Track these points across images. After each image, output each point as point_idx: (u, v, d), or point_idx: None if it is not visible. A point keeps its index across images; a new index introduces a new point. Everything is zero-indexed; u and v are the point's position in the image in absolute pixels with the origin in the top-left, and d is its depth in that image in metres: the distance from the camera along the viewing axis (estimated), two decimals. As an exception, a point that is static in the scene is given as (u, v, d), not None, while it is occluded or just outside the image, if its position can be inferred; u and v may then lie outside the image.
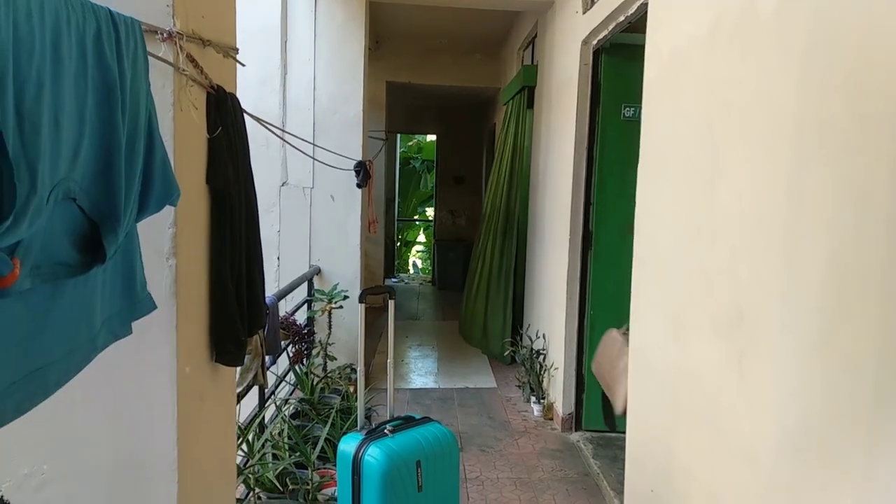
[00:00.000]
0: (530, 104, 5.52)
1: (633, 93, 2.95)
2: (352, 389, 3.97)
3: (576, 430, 4.17)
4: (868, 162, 1.33)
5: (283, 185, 4.80)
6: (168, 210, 1.10)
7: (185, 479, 1.20)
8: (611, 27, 3.51)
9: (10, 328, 0.69)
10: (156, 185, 0.94)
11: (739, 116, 1.86)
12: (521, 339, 5.36)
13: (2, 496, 1.17)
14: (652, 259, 2.55)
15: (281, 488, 2.72)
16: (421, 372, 5.82)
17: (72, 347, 0.81)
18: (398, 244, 12.45)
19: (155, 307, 1.00)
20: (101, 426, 1.15)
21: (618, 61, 3.76)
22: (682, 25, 2.27)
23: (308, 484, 2.80)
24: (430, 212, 13.06)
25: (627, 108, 3.78)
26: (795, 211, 1.57)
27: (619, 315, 3.13)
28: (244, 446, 2.72)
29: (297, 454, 2.91)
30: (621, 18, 3.32)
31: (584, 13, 3.86)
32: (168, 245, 1.14)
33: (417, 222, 13.90)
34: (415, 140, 13.29)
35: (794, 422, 1.56)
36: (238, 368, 2.59)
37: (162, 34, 1.10)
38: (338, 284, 4.62)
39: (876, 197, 1.30)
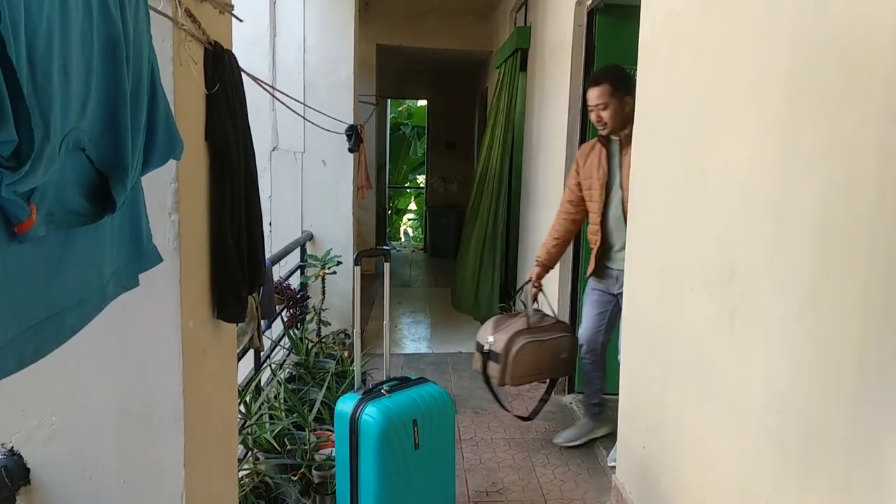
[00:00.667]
0: (523, 67, 5.48)
1: (628, 54, 2.94)
2: (346, 354, 4.01)
3: (568, 393, 4.24)
4: (857, 118, 1.34)
5: (273, 149, 4.76)
6: (170, 165, 1.10)
7: (191, 429, 1.22)
8: (605, -12, 3.48)
9: (28, 274, 0.70)
10: (160, 137, 0.94)
11: (733, 79, 1.87)
12: (514, 304, 5.41)
13: (11, 447, 1.19)
14: (647, 221, 2.57)
15: (279, 448, 2.77)
16: (414, 337, 5.88)
17: (84, 296, 0.82)
18: (389, 212, 12.43)
19: (161, 260, 1.01)
20: (109, 378, 1.17)
21: (613, 22, 3.73)
22: (678, -15, 2.26)
23: (305, 444, 2.85)
24: (421, 179, 13.02)
25: (622, 71, 3.76)
26: (787, 170, 1.59)
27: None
28: (242, 407, 2.75)
29: (294, 415, 2.95)
30: (616, -21, 3.30)
31: (578, -27, 3.83)
32: (171, 200, 1.15)
33: (409, 190, 13.86)
34: (405, 105, 13.17)
35: (781, 377, 1.61)
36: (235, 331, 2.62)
37: (161, -12, 1.09)
38: (331, 250, 4.62)
39: (866, 154, 1.32)
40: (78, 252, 0.80)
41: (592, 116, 3.18)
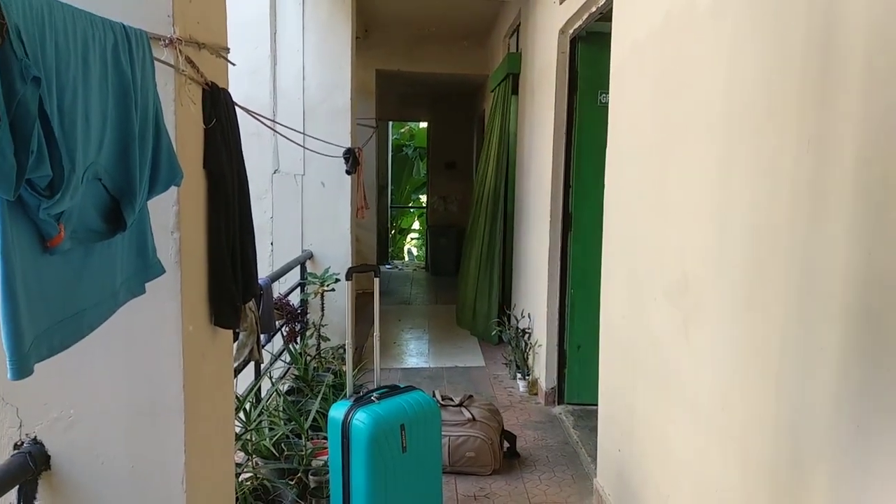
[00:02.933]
0: (515, 91, 5.70)
1: (608, 80, 3.13)
2: (344, 368, 4.17)
3: (558, 404, 4.39)
4: (779, 141, 1.52)
5: (274, 172, 4.97)
6: (172, 190, 1.28)
7: (191, 421, 1.39)
8: (585, 17, 3.68)
9: (56, 280, 0.88)
10: (163, 168, 1.13)
11: (683, 103, 2.05)
12: (508, 320, 5.57)
13: (35, 436, 1.36)
14: (616, 237, 2.75)
15: (277, 454, 2.93)
16: (413, 353, 6.04)
17: (100, 299, 1.00)
18: (392, 232, 12.62)
19: (164, 271, 1.19)
20: (119, 375, 1.34)
21: (594, 49, 3.94)
22: (639, 19, 2.45)
23: (302, 451, 3.01)
24: (423, 199, 13.22)
25: (603, 95, 3.96)
26: (726, 185, 1.77)
27: (597, 292, 3.32)
28: (242, 415, 2.92)
29: (293, 424, 3.12)
30: (594, 9, 3.50)
31: (560, 3, 4.03)
32: (172, 220, 1.33)
33: (412, 210, 14.06)
34: (407, 127, 13.42)
35: (725, 376, 1.77)
36: (235, 343, 2.79)
37: (164, 41, 1.28)
38: (329, 268, 4.80)
39: (783, 169, 1.49)
40: (95, 263, 0.98)
41: None
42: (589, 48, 3.96)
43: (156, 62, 1.21)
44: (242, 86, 4.52)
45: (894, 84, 1.16)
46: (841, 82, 1.31)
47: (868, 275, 1.23)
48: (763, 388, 1.58)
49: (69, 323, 0.92)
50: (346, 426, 2.56)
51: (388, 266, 11.04)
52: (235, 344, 2.88)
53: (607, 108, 3.87)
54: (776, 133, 1.53)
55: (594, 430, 3.84)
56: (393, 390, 2.76)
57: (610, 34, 2.94)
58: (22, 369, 0.80)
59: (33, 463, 1.34)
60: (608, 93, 3.90)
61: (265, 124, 3.01)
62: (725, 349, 1.77)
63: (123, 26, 1.05)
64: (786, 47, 1.50)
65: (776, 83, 1.53)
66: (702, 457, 1.90)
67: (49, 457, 1.37)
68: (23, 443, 1.37)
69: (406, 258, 13.83)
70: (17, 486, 1.34)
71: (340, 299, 4.97)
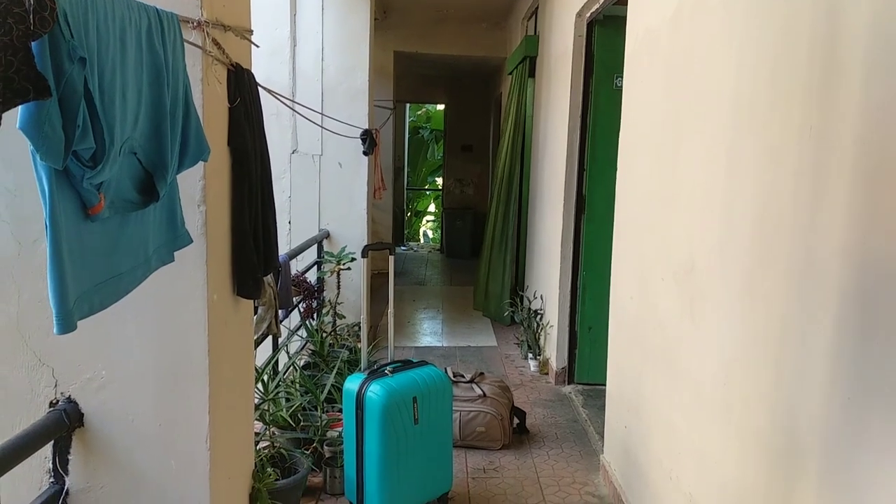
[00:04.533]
0: (532, 73, 5.71)
1: (623, 64, 3.15)
2: (359, 345, 4.26)
3: (568, 383, 4.46)
4: (783, 128, 1.57)
5: (293, 152, 5.05)
6: (199, 166, 1.36)
7: (215, 384, 1.48)
8: (601, 0, 3.70)
9: (97, 244, 0.96)
10: (192, 144, 1.20)
11: (694, 91, 2.09)
12: (520, 301, 5.64)
13: (69, 396, 1.46)
14: (627, 220, 2.80)
15: (293, 424, 3.03)
16: (426, 332, 6.13)
17: (134, 265, 1.08)
18: (408, 214, 12.69)
19: (191, 241, 1.27)
20: (148, 339, 1.43)
21: (610, 33, 3.95)
22: (653, 5, 2.48)
23: (318, 422, 3.11)
24: (439, 181, 13.27)
25: (618, 79, 3.97)
26: (733, 171, 1.81)
27: (608, 274, 3.36)
28: (260, 386, 3.02)
29: (309, 396, 3.22)
30: (610, -7, 3.52)
31: (578, -14, 4.05)
32: (199, 194, 1.41)
33: (428, 192, 14.12)
34: (424, 109, 13.44)
35: (727, 354, 1.83)
36: (254, 317, 2.89)
37: (193, 23, 1.35)
38: (346, 247, 4.89)
39: (787, 157, 1.54)
40: (130, 231, 1.06)
41: None
42: (606, 31, 3.98)
43: (186, 44, 1.28)
44: (262, 67, 4.59)
45: (892, 76, 1.20)
46: (842, 72, 1.35)
47: (862, 260, 1.28)
48: (763, 366, 1.63)
49: (108, 285, 1.00)
50: (360, 398, 2.65)
51: (403, 248, 11.13)
52: (255, 318, 2.98)
53: (622, 92, 3.92)
54: (781, 121, 1.58)
55: (603, 408, 3.90)
56: (406, 365, 2.84)
57: (626, 18, 2.96)
58: (67, 324, 0.88)
59: (68, 419, 1.43)
60: (623, 77, 3.94)
61: (285, 104, 3.07)
62: (729, 329, 1.82)
63: (157, 10, 1.12)
64: (792, 36, 1.53)
65: (782, 72, 1.57)
66: (703, 432, 1.96)
67: (83, 415, 1.46)
68: (58, 401, 1.46)
69: (421, 240, 13.92)
70: (52, 441, 1.44)
71: (356, 278, 5.06)
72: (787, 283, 1.54)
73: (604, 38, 4.00)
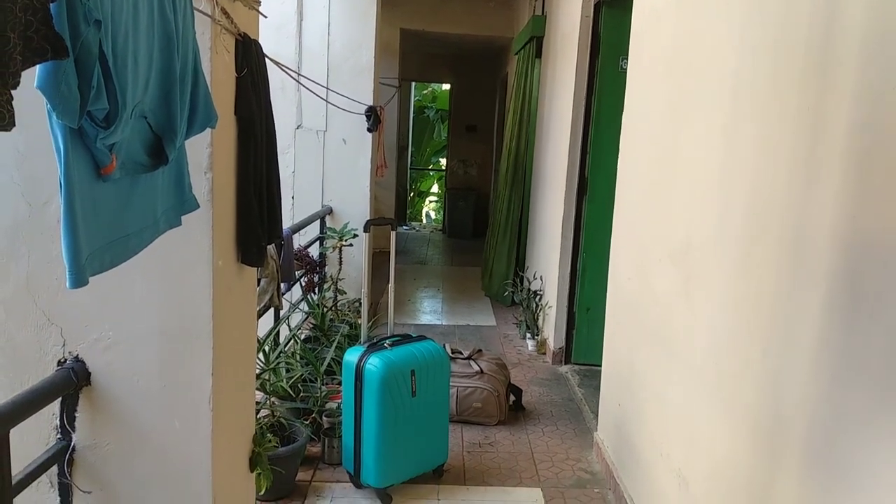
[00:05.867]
0: (539, 54, 5.70)
1: (628, 46, 3.16)
2: (359, 320, 4.31)
3: (565, 363, 4.51)
4: (781, 109, 1.59)
5: (297, 127, 5.06)
6: (206, 133, 1.39)
7: (218, 346, 1.52)
8: (610, -18, 3.70)
9: (108, 204, 0.99)
10: (200, 110, 1.23)
11: (696, 74, 2.11)
12: (520, 282, 5.68)
13: (77, 355, 1.50)
14: (628, 201, 2.82)
15: (293, 395, 3.08)
16: (426, 311, 6.18)
17: (143, 226, 1.11)
18: (411, 194, 12.69)
19: (198, 206, 1.30)
20: (154, 301, 1.47)
21: (617, 14, 3.94)
22: (660, -15, 2.49)
23: (317, 393, 3.17)
24: (443, 162, 13.24)
25: (623, 61, 3.97)
26: (730, 153, 1.83)
27: (608, 256, 3.39)
28: (261, 356, 3.07)
29: (309, 367, 3.27)
30: (619, -26, 3.51)
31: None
32: (206, 161, 1.44)
33: (431, 173, 14.09)
34: (429, 89, 13.38)
35: (719, 332, 1.87)
36: (257, 289, 2.93)
37: (202, -9, 1.37)
38: (348, 223, 4.92)
39: (783, 138, 1.56)
40: (140, 193, 1.09)
41: None
42: (612, 13, 3.97)
43: (195, 12, 1.30)
44: (269, 41, 4.58)
45: (886, 60, 1.23)
46: (840, 55, 1.37)
47: (851, 239, 1.31)
48: (751, 344, 1.67)
49: (118, 244, 1.04)
50: (359, 369, 2.69)
51: (405, 227, 11.15)
52: (257, 290, 3.02)
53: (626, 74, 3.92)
54: (779, 102, 1.60)
55: (598, 388, 3.95)
56: (405, 339, 2.89)
57: (634, -1, 2.97)
58: (79, 279, 0.92)
59: (76, 378, 1.47)
60: (629, 59, 3.94)
61: (291, 76, 3.09)
62: (722, 308, 1.86)
63: (168, -23, 1.14)
64: (791, 17, 1.55)
65: (782, 54, 1.59)
66: (693, 409, 2.01)
67: (90, 373, 1.50)
68: (66, 360, 1.50)
69: (423, 221, 13.93)
70: (60, 398, 1.48)
71: (358, 254, 5.10)
72: (778, 263, 1.57)
73: (610, 19, 3.99)
